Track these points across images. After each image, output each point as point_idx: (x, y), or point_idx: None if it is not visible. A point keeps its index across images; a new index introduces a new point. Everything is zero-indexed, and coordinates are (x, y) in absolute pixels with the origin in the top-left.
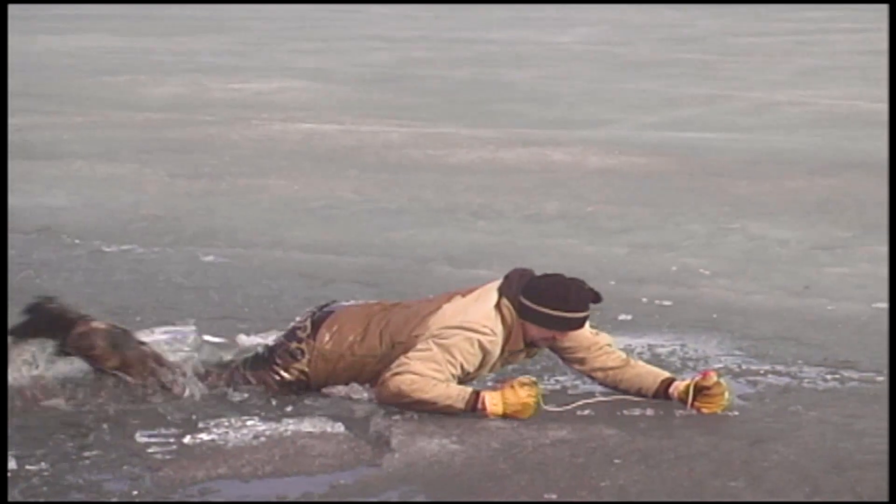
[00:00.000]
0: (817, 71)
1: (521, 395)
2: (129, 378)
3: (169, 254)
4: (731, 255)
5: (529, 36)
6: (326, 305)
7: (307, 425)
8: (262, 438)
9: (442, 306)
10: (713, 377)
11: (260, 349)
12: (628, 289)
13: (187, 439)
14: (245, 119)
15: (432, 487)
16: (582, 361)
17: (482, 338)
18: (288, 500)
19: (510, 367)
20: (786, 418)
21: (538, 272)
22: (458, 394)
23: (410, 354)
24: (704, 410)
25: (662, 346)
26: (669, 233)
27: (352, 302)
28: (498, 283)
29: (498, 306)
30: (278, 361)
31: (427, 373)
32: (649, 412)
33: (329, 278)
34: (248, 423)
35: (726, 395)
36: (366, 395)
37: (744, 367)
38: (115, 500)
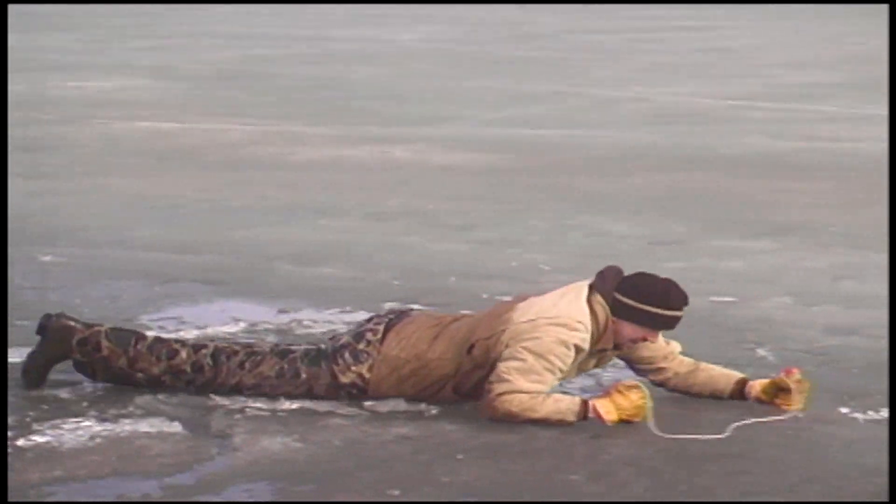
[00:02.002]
0: (658, 68)
1: (633, 398)
2: (140, 375)
3: (9, 254)
4: (572, 250)
5: (372, 34)
6: (402, 312)
7: (144, 425)
8: (99, 439)
9: (517, 306)
10: (796, 374)
11: (324, 345)
12: (470, 285)
13: (21, 442)
14: (87, 117)
15: (276, 485)
16: (659, 371)
17: (574, 335)
18: (127, 500)
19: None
20: None
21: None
22: (567, 407)
23: (507, 367)
24: (785, 408)
25: None
26: (511, 229)
27: (426, 311)
28: (586, 281)
29: (589, 302)
30: (340, 362)
31: (531, 388)
32: None
33: (172, 277)
34: (84, 424)
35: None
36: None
37: None
38: None
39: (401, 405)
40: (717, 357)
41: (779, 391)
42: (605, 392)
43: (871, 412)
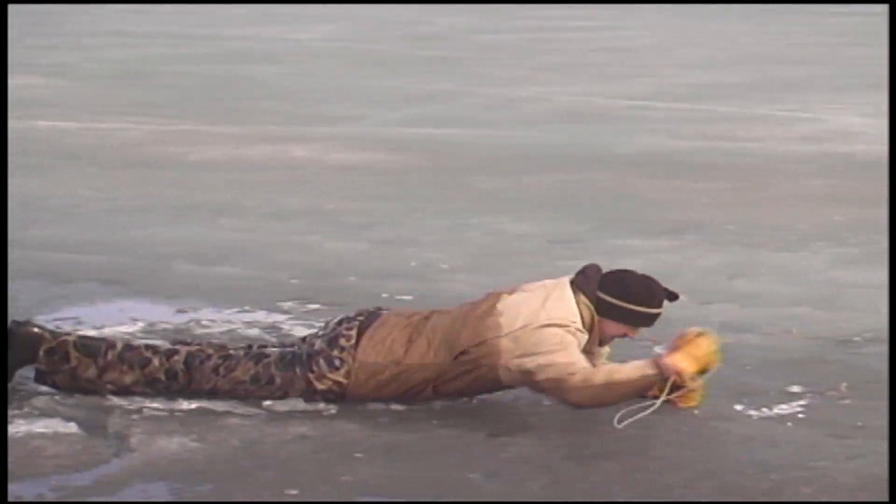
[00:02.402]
0: (555, 68)
1: (704, 346)
2: (109, 385)
3: None
4: (470, 249)
5: (271, 33)
6: (372, 313)
7: (39, 426)
8: None
9: (496, 308)
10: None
11: (297, 350)
12: (370, 284)
13: None
14: None
15: (173, 485)
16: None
17: (576, 332)
18: (21, 501)
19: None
20: (525, 410)
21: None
22: (637, 365)
23: (548, 358)
24: (681, 405)
25: None
26: (410, 228)
27: (393, 310)
28: (567, 279)
29: (577, 303)
30: (314, 369)
31: (581, 361)
32: (393, 407)
33: (69, 277)
34: None
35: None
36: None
37: None
38: None
39: (299, 405)
40: (614, 354)
41: (675, 389)
42: (674, 346)
43: (764, 409)
